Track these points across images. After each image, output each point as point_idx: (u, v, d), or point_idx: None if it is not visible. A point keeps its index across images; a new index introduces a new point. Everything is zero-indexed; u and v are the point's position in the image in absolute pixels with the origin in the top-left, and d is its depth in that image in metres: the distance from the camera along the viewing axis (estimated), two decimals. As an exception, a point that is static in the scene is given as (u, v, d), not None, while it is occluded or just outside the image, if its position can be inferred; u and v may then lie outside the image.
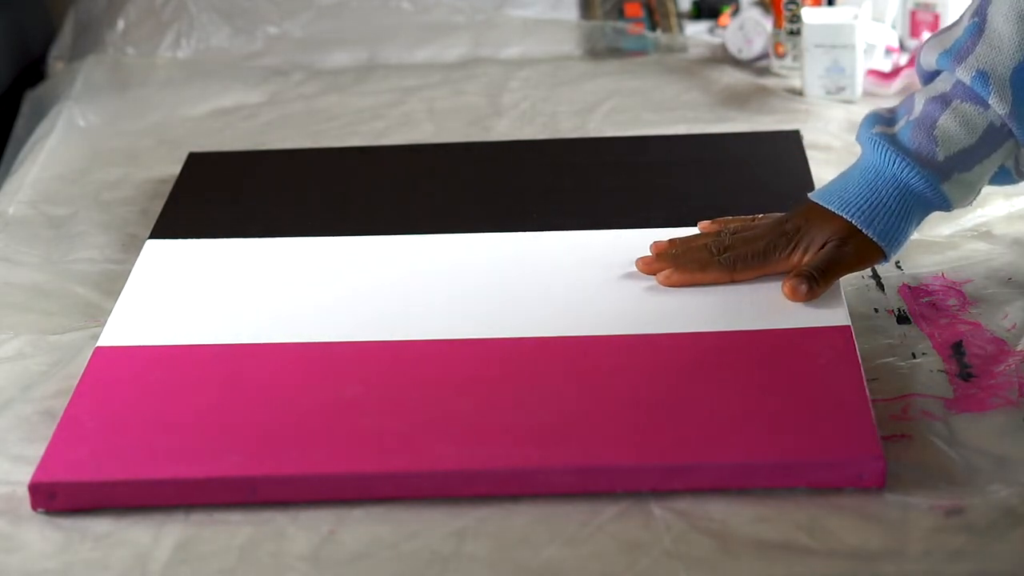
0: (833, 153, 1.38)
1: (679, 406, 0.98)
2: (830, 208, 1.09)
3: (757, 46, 1.61)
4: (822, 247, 1.09)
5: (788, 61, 1.58)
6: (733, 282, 1.10)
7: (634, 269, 1.14)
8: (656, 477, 0.93)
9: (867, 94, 1.52)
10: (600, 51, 1.69)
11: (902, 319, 1.10)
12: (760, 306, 1.09)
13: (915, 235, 1.20)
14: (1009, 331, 1.08)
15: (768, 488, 0.93)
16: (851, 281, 1.15)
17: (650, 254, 1.14)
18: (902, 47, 1.61)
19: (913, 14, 1.60)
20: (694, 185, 1.28)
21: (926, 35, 1.58)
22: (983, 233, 1.22)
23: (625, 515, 0.92)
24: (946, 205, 1.08)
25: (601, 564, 0.89)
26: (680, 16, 1.72)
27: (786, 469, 0.93)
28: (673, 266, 1.11)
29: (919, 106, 1.08)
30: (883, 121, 1.10)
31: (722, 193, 1.26)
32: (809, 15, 1.51)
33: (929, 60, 1.09)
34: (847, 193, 1.08)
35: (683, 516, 0.92)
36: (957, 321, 1.09)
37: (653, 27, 1.70)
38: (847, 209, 1.08)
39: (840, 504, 0.92)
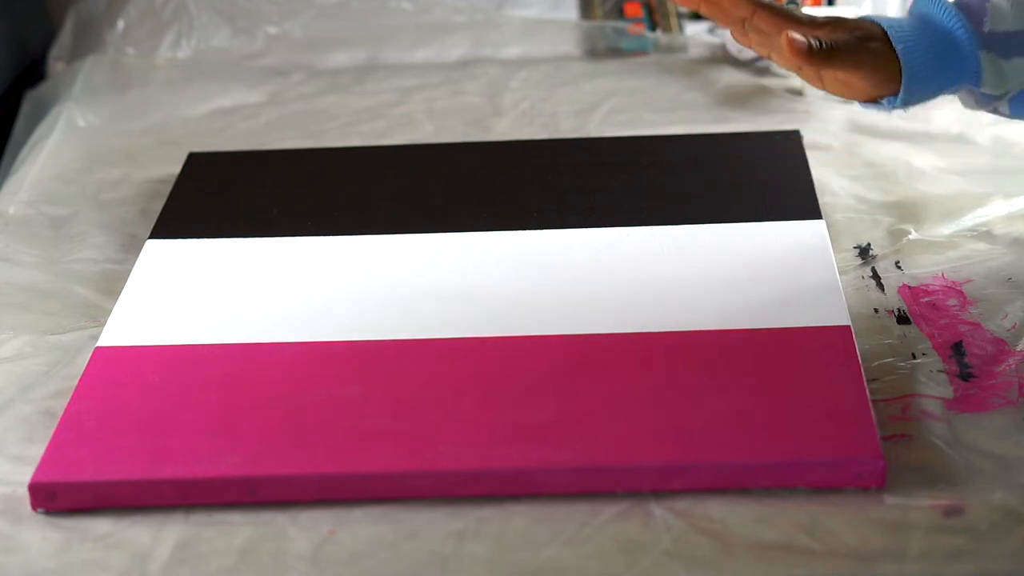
0: (833, 153, 1.38)
1: (679, 406, 0.98)
2: (871, 18, 1.05)
3: (757, 46, 1.61)
4: (848, 30, 1.02)
5: (788, 61, 1.58)
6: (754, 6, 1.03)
7: (634, 268, 1.14)
8: (656, 477, 0.93)
9: (867, 94, 1.52)
10: (600, 51, 1.68)
11: (902, 319, 1.10)
12: (760, 306, 1.09)
13: (914, 235, 1.20)
14: (1009, 331, 1.08)
15: (768, 488, 0.93)
16: (851, 281, 1.15)
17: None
18: (902, 47, 1.61)
19: (913, 14, 1.60)
20: (694, 185, 1.28)
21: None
22: (983, 233, 1.21)
23: (625, 515, 0.92)
24: (976, 76, 1.05)
25: (601, 564, 0.89)
26: (680, 16, 1.72)
27: (786, 469, 0.93)
28: None
29: None
30: None
31: (722, 193, 1.26)
32: (809, 15, 1.51)
33: None
34: (893, 19, 1.05)
35: (683, 516, 0.92)
36: (957, 321, 1.09)
37: (653, 27, 1.70)
38: (886, 22, 1.04)
39: (840, 504, 0.92)
